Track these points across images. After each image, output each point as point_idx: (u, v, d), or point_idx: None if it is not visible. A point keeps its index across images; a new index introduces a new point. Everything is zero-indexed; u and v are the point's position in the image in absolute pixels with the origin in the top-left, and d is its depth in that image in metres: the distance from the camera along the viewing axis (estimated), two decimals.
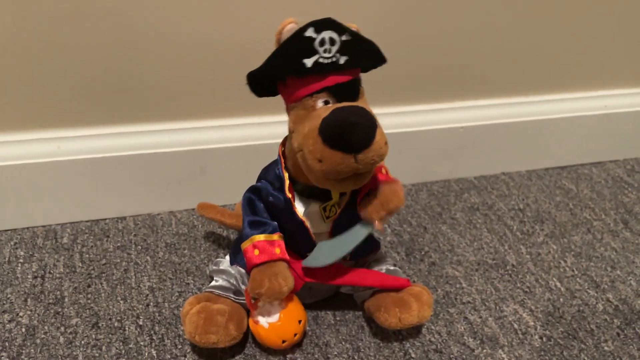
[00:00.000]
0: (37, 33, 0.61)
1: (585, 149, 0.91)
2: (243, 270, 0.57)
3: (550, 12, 0.78)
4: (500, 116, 0.83)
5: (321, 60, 0.46)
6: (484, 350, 0.58)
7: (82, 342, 0.57)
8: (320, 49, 0.46)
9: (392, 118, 0.78)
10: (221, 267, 0.59)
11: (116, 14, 0.62)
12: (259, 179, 0.55)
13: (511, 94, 0.85)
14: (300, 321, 0.54)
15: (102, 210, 0.73)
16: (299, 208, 0.53)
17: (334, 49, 0.46)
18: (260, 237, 0.52)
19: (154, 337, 0.57)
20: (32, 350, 0.55)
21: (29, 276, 0.64)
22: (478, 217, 0.78)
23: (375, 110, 0.48)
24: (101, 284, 0.64)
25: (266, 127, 0.73)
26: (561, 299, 0.65)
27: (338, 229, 0.54)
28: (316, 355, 0.56)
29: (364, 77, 0.51)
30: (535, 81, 0.85)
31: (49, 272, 0.65)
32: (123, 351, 0.56)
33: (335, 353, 0.57)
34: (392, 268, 0.60)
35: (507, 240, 0.74)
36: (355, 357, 0.56)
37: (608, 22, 0.82)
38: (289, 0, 0.66)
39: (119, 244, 0.70)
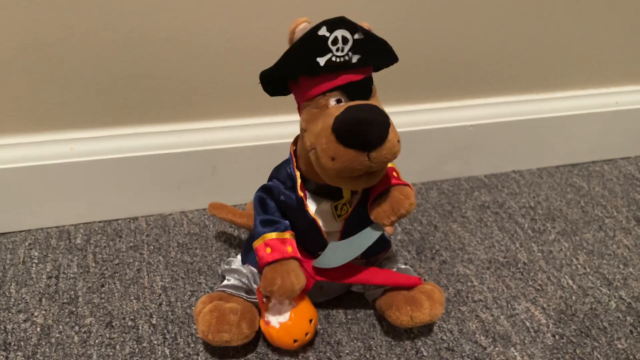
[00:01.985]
0: (50, 36, 0.62)
1: (597, 146, 0.91)
2: (255, 270, 0.58)
3: (561, 9, 0.78)
4: (511, 114, 0.83)
5: (334, 59, 0.46)
6: (496, 349, 0.58)
7: (96, 341, 0.57)
8: (333, 48, 0.46)
9: (402, 116, 0.78)
10: (233, 267, 0.59)
11: (127, 17, 0.63)
12: (270, 178, 0.56)
13: (521, 91, 0.85)
14: (311, 320, 0.55)
15: (114, 211, 0.74)
16: (311, 207, 0.53)
17: (347, 47, 0.46)
18: (272, 235, 0.52)
19: (167, 336, 0.58)
20: (47, 349, 0.56)
21: (43, 276, 0.65)
22: (489, 215, 0.78)
23: (386, 109, 0.48)
24: (114, 283, 0.64)
25: (277, 127, 0.74)
26: (573, 297, 0.65)
27: (349, 227, 0.54)
28: (328, 354, 0.57)
29: (374, 75, 0.51)
30: (545, 78, 0.85)
31: (63, 272, 0.66)
32: (137, 350, 0.56)
33: (347, 351, 0.57)
34: (403, 267, 0.61)
35: (519, 238, 0.74)
36: (367, 356, 0.57)
37: (618, 18, 0.82)
38: (299, 0, 0.66)
39: (131, 244, 0.70)
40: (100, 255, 0.68)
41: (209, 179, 0.74)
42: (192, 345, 0.57)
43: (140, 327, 0.59)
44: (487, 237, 0.74)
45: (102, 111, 0.68)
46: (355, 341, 0.58)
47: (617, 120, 0.88)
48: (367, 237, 0.53)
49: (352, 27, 0.46)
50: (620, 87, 0.89)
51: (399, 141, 0.47)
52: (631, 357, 0.57)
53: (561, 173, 0.89)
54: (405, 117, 0.79)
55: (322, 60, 0.46)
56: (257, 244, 0.53)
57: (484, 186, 0.84)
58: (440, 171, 0.85)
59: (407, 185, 0.53)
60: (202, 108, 0.72)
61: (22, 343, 0.57)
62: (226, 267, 0.60)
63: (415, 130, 0.79)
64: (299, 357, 0.56)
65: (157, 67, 0.67)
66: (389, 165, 0.54)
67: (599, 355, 0.58)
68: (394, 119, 0.47)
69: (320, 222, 0.53)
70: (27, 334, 0.58)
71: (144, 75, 0.67)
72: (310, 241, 0.55)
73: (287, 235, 0.53)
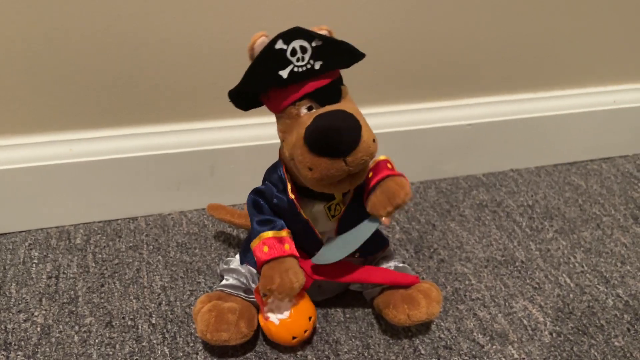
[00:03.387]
0: (49, 37, 0.62)
1: (595, 145, 0.91)
2: (253, 269, 0.58)
3: (558, 7, 0.78)
4: (508, 113, 0.83)
5: (296, 69, 0.47)
6: (494, 347, 0.58)
7: (96, 340, 0.57)
8: (293, 59, 0.47)
9: (399, 116, 0.78)
10: (231, 266, 0.60)
11: (126, 17, 0.63)
12: (263, 181, 0.56)
13: (519, 90, 0.85)
14: (310, 318, 0.55)
15: (114, 211, 0.74)
16: (304, 208, 0.53)
17: (307, 56, 0.47)
18: (269, 234, 0.53)
19: (167, 335, 0.58)
20: (47, 349, 0.56)
21: (43, 276, 0.65)
22: (487, 214, 0.78)
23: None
24: (114, 283, 0.65)
25: (275, 127, 0.74)
26: (571, 295, 0.65)
27: (344, 226, 0.54)
28: (326, 352, 0.57)
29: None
30: (543, 77, 0.85)
31: (63, 272, 0.66)
32: (136, 349, 0.57)
33: (345, 350, 0.57)
34: (400, 265, 0.61)
35: (516, 237, 0.74)
36: (365, 354, 0.57)
37: (616, 17, 0.82)
38: (298, 1, 0.66)
39: (131, 244, 0.70)
40: (100, 255, 0.69)
41: (208, 179, 0.75)
42: (191, 344, 0.57)
43: (140, 327, 0.59)
44: (485, 235, 0.74)
45: (101, 112, 0.69)
46: (353, 340, 0.59)
47: (615, 118, 0.89)
48: (363, 231, 0.53)
49: (308, 35, 0.47)
50: (618, 85, 0.90)
51: (374, 140, 0.47)
52: (628, 354, 0.58)
53: (559, 171, 0.89)
54: (403, 116, 0.79)
55: (284, 73, 0.47)
56: (255, 243, 0.53)
57: (482, 185, 0.85)
58: (438, 170, 0.85)
59: (402, 175, 0.53)
60: (201, 108, 0.72)
61: (22, 343, 0.57)
62: (225, 266, 0.61)
63: (413, 130, 0.79)
64: (298, 356, 0.56)
65: (155, 67, 0.67)
66: (383, 157, 0.54)
67: (596, 353, 0.58)
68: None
69: (314, 223, 0.54)
70: (28, 333, 0.58)
71: (142, 75, 0.67)
72: (306, 242, 0.55)
73: (284, 233, 0.53)
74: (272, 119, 0.76)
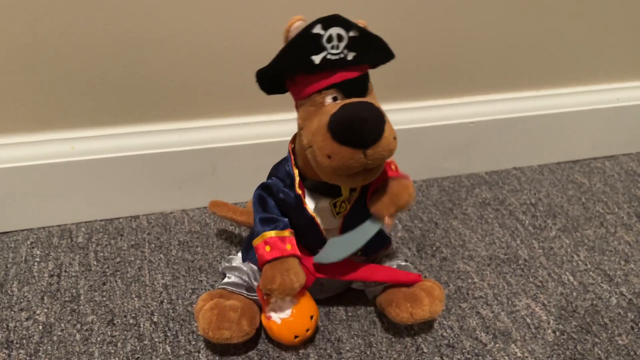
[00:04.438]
0: (50, 36, 0.62)
1: (598, 143, 0.91)
2: (255, 267, 0.58)
3: (561, 5, 0.78)
4: (511, 110, 0.83)
5: (329, 56, 0.46)
6: (497, 345, 0.58)
7: (98, 338, 0.57)
8: (328, 46, 0.46)
9: (402, 114, 0.78)
10: (233, 264, 0.60)
11: (127, 16, 0.63)
12: (269, 176, 0.56)
13: (521, 88, 0.84)
14: (312, 316, 0.55)
15: (116, 210, 0.74)
16: (310, 204, 0.53)
17: (342, 45, 0.46)
18: (272, 234, 0.53)
19: (168, 334, 0.58)
20: (49, 347, 0.56)
21: (45, 275, 0.65)
22: (489, 212, 0.78)
23: (385, 106, 0.48)
24: (116, 281, 0.64)
25: (276, 125, 0.74)
26: (574, 293, 0.65)
27: (348, 224, 0.54)
28: (329, 351, 0.57)
29: (373, 73, 0.51)
30: (545, 75, 0.84)
31: (65, 271, 0.66)
32: (138, 347, 0.57)
33: (348, 348, 0.57)
34: (403, 263, 0.61)
35: (519, 235, 0.74)
36: (368, 353, 0.57)
37: (619, 15, 0.81)
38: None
39: (132, 243, 0.70)
40: (102, 254, 0.68)
41: (210, 177, 0.75)
42: (193, 342, 0.57)
43: (142, 325, 0.59)
44: (487, 233, 0.74)
45: (102, 110, 0.69)
46: (355, 338, 0.58)
47: (618, 116, 0.88)
48: (366, 231, 0.53)
49: (346, 24, 0.46)
50: (621, 83, 0.89)
51: (395, 138, 0.47)
52: (632, 353, 0.57)
53: (562, 169, 0.89)
54: (406, 114, 0.79)
55: (317, 58, 0.46)
56: (257, 242, 0.53)
57: (484, 183, 0.84)
58: (440, 168, 0.85)
59: (406, 177, 0.53)
60: (203, 107, 0.72)
61: (24, 341, 0.57)
62: (227, 264, 0.61)
63: (416, 128, 0.79)
64: (300, 354, 0.56)
65: (157, 66, 0.67)
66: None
67: (599, 352, 0.58)
68: (394, 116, 0.47)
69: (319, 220, 0.54)
70: (30, 332, 0.58)
71: (144, 74, 0.67)
72: (310, 239, 0.55)
73: (287, 233, 0.53)
74: (274, 117, 0.76)
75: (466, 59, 0.78)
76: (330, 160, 0.46)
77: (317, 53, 0.46)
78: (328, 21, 0.46)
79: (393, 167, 0.54)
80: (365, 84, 0.49)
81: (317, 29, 0.46)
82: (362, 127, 0.45)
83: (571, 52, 0.83)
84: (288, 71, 0.49)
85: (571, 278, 0.67)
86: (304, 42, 0.46)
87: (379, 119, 0.46)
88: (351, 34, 0.46)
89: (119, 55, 0.65)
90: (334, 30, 0.46)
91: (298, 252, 0.54)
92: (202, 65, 0.68)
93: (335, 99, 0.48)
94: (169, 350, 0.56)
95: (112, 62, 0.65)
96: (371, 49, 0.49)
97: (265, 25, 0.67)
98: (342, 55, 0.46)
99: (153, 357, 0.56)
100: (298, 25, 0.46)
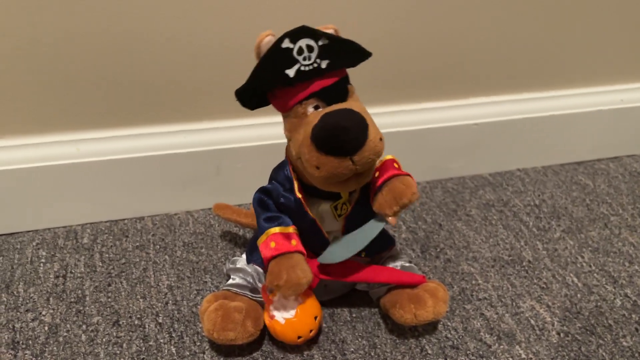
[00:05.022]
0: (55, 38, 0.62)
1: (602, 144, 0.91)
2: (259, 269, 0.58)
3: (565, 6, 0.78)
4: (515, 112, 0.83)
5: (302, 68, 0.47)
6: (501, 347, 0.58)
7: (104, 339, 0.58)
8: (300, 58, 0.47)
9: (406, 115, 0.78)
10: (238, 266, 0.60)
11: (132, 17, 0.63)
12: (270, 180, 0.56)
13: (525, 89, 0.84)
14: (316, 317, 0.55)
15: (121, 211, 0.74)
16: (310, 207, 0.53)
17: (313, 55, 0.47)
18: (276, 230, 0.53)
19: (173, 335, 0.58)
20: (55, 348, 0.57)
21: (51, 276, 0.66)
22: (493, 214, 0.78)
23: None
24: (121, 282, 0.65)
25: (281, 127, 0.73)
26: (578, 295, 0.65)
27: (350, 226, 0.54)
28: (333, 352, 0.57)
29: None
30: (549, 76, 0.84)
31: (70, 272, 0.66)
32: (143, 348, 0.57)
33: (352, 349, 0.57)
34: (407, 265, 0.61)
35: (523, 237, 0.74)
36: (372, 354, 0.57)
37: (623, 15, 0.81)
38: (302, 1, 0.66)
39: (137, 244, 0.71)
40: (107, 255, 0.69)
41: (214, 178, 0.75)
42: (198, 343, 0.57)
43: (147, 326, 0.59)
44: (491, 235, 0.74)
45: (107, 112, 0.69)
46: (360, 339, 0.58)
47: (622, 117, 0.88)
48: (370, 230, 0.53)
49: (314, 34, 0.47)
50: (625, 84, 0.89)
51: (381, 139, 0.47)
52: (637, 354, 0.57)
53: (566, 171, 0.88)
54: (410, 115, 0.79)
55: (291, 72, 0.47)
56: (262, 239, 0.53)
57: (488, 184, 0.84)
58: (444, 169, 0.85)
59: (409, 175, 0.53)
60: (207, 108, 0.72)
61: (30, 342, 0.57)
62: (231, 266, 0.61)
63: (420, 129, 0.79)
64: (304, 356, 0.56)
65: (161, 67, 0.67)
66: (389, 157, 0.54)
67: (604, 353, 0.58)
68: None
69: (320, 223, 0.54)
70: (35, 332, 0.58)
71: (148, 75, 0.67)
72: (313, 242, 0.55)
73: (291, 229, 0.53)
74: (278, 118, 0.76)
75: (470, 61, 0.79)
76: (319, 170, 0.47)
77: (290, 66, 0.47)
78: (295, 34, 0.47)
79: (396, 165, 0.54)
80: (345, 87, 0.50)
81: (286, 43, 0.46)
82: (344, 135, 0.45)
83: (575, 54, 0.83)
84: (265, 87, 0.49)
85: (575, 279, 0.67)
86: (275, 58, 0.47)
87: (361, 124, 0.46)
88: (320, 42, 0.47)
89: (123, 57, 0.65)
90: (303, 42, 0.47)
91: (303, 249, 0.53)
92: (206, 67, 0.68)
93: (317, 107, 0.48)
94: (174, 351, 0.56)
95: (116, 63, 0.66)
96: (344, 53, 0.49)
97: (268, 27, 0.67)
98: (315, 65, 0.47)
99: (158, 358, 0.56)
100: (268, 40, 0.47)
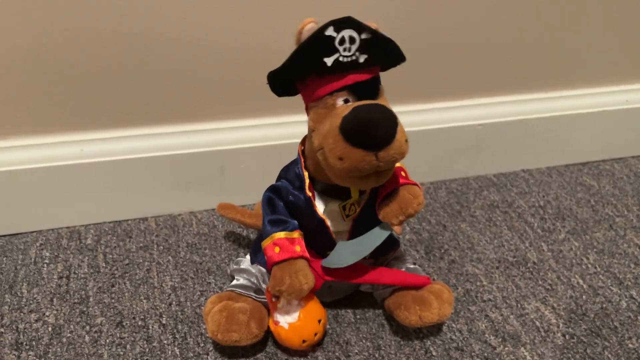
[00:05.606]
0: (59, 39, 0.62)
1: (607, 145, 0.90)
2: (264, 269, 0.58)
3: (570, 6, 0.77)
4: (519, 113, 0.83)
5: (341, 58, 0.46)
6: (506, 348, 0.58)
7: (107, 340, 0.58)
8: (340, 48, 0.46)
9: (410, 116, 0.78)
10: (242, 266, 0.60)
11: (136, 18, 0.63)
12: (278, 179, 0.56)
13: (530, 90, 0.84)
14: (320, 320, 0.55)
15: (124, 211, 0.74)
16: (319, 207, 0.53)
17: (354, 47, 0.46)
18: (281, 235, 0.53)
19: (177, 336, 0.58)
20: (59, 349, 0.57)
21: (54, 276, 0.65)
22: (498, 215, 0.78)
23: (393, 109, 0.48)
24: (124, 283, 0.65)
25: (285, 127, 0.74)
26: (584, 296, 0.64)
27: (358, 227, 0.54)
28: (337, 354, 0.57)
29: (382, 75, 0.51)
30: (554, 77, 0.84)
31: (74, 273, 0.66)
32: (147, 349, 0.57)
33: (356, 351, 0.57)
34: (411, 266, 0.60)
35: (528, 238, 0.74)
36: (376, 355, 0.57)
37: (628, 16, 0.81)
38: (306, 1, 0.66)
39: (141, 244, 0.71)
40: (111, 256, 0.69)
41: (218, 179, 0.75)
42: (202, 344, 0.57)
43: (151, 327, 0.59)
44: (496, 236, 0.74)
45: (111, 113, 0.69)
46: (364, 341, 0.58)
47: (627, 118, 0.88)
48: (375, 237, 0.53)
49: (359, 27, 0.46)
50: (630, 85, 0.89)
51: (407, 141, 0.47)
52: None
53: (571, 172, 0.88)
54: (414, 116, 0.79)
55: (329, 61, 0.46)
56: (266, 243, 0.53)
57: (492, 185, 0.84)
58: (448, 170, 0.85)
59: (416, 184, 0.52)
60: (211, 109, 0.72)
61: (33, 343, 0.57)
62: (235, 267, 0.61)
63: (424, 130, 0.79)
64: (308, 357, 0.56)
65: (165, 68, 0.67)
66: (398, 165, 0.54)
67: (609, 355, 0.57)
68: (402, 119, 0.47)
69: (328, 222, 0.54)
70: (39, 333, 0.58)
71: (152, 76, 0.67)
72: (319, 241, 0.55)
73: (296, 234, 0.53)
74: (282, 119, 0.76)
75: (474, 61, 0.78)
76: (342, 162, 0.46)
77: (329, 55, 0.46)
78: (341, 23, 0.46)
79: (403, 173, 0.54)
80: (377, 86, 0.49)
81: (330, 31, 0.46)
82: (374, 129, 0.45)
83: (580, 54, 0.83)
84: (300, 73, 0.49)
85: (580, 281, 0.67)
86: (316, 45, 0.46)
87: (391, 121, 0.45)
88: (363, 36, 0.46)
89: (128, 57, 0.65)
90: (347, 33, 0.46)
91: (307, 254, 0.53)
92: (210, 68, 0.68)
93: (346, 101, 0.48)
94: (178, 353, 0.56)
95: (121, 64, 0.66)
96: (382, 52, 0.49)
97: (273, 27, 0.67)
98: (354, 58, 0.46)
99: (162, 359, 0.56)
100: (310, 27, 0.46)
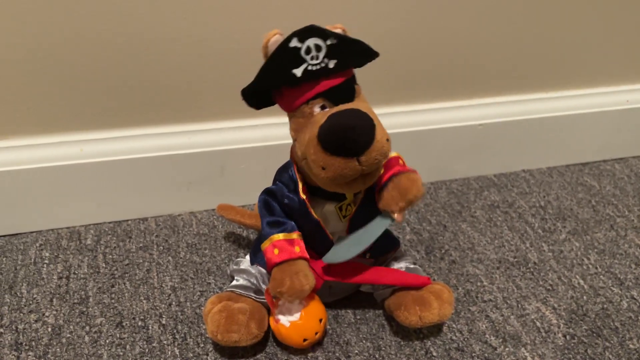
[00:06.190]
0: (59, 39, 0.62)
1: (607, 145, 0.90)
2: (263, 270, 0.58)
3: (570, 6, 0.77)
4: (520, 113, 0.83)
5: (310, 67, 0.47)
6: (507, 349, 0.57)
7: (107, 341, 0.57)
8: (307, 57, 0.46)
9: (410, 116, 0.78)
10: (242, 267, 0.60)
11: (136, 18, 0.63)
12: (274, 181, 0.56)
13: (531, 90, 0.84)
14: (321, 320, 0.55)
15: (124, 212, 0.74)
16: (315, 208, 0.53)
17: (321, 54, 0.47)
18: (279, 236, 0.52)
19: (177, 336, 0.58)
20: (58, 349, 0.56)
21: (54, 277, 0.65)
22: (498, 215, 0.78)
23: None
24: (124, 284, 0.65)
25: (285, 128, 0.73)
26: (584, 297, 0.64)
27: (355, 227, 0.54)
28: (337, 354, 0.57)
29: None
30: (554, 77, 0.84)
31: (74, 273, 0.66)
32: (147, 350, 0.57)
33: (356, 352, 0.57)
34: (412, 266, 0.60)
35: (529, 238, 0.73)
36: (376, 356, 0.56)
37: (628, 15, 0.81)
38: (306, 2, 0.66)
39: (141, 245, 0.70)
40: (110, 256, 0.69)
41: (218, 179, 0.75)
42: (202, 345, 0.57)
43: (150, 327, 0.59)
44: (496, 236, 0.74)
45: (111, 112, 0.69)
46: (364, 341, 0.58)
47: (628, 118, 0.88)
48: (375, 228, 0.52)
49: (323, 34, 0.47)
50: (630, 85, 0.89)
51: (388, 140, 0.47)
52: None
53: (571, 172, 0.88)
54: (414, 116, 0.79)
55: (298, 71, 0.46)
56: (265, 245, 0.53)
57: (493, 185, 0.84)
58: (449, 170, 0.85)
59: (414, 171, 0.52)
60: (211, 109, 0.72)
61: (33, 343, 0.57)
62: (235, 267, 0.60)
63: (424, 130, 0.79)
64: (308, 357, 0.56)
65: (165, 68, 0.67)
66: (394, 154, 0.54)
67: (610, 356, 0.57)
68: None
69: (324, 224, 0.53)
70: (39, 334, 0.58)
71: (152, 76, 0.67)
72: (317, 243, 0.55)
73: (295, 235, 0.53)
74: (282, 119, 0.76)
75: (475, 61, 0.78)
76: (325, 171, 0.46)
77: (297, 66, 0.46)
78: (304, 33, 0.46)
79: (401, 162, 0.54)
80: (352, 87, 0.49)
81: (294, 43, 0.46)
82: (351, 136, 0.45)
83: (580, 54, 0.83)
84: (272, 86, 0.49)
85: (581, 281, 0.66)
86: (283, 57, 0.47)
87: (368, 124, 0.45)
88: (329, 42, 0.47)
89: (128, 57, 0.65)
90: (311, 41, 0.46)
91: (306, 255, 0.53)
92: (210, 68, 0.68)
93: (323, 107, 0.48)
94: (178, 353, 0.56)
95: (121, 64, 0.65)
96: (352, 53, 0.49)
97: (273, 27, 0.67)
98: (323, 65, 0.47)
99: (161, 359, 0.56)
100: (275, 39, 0.47)
